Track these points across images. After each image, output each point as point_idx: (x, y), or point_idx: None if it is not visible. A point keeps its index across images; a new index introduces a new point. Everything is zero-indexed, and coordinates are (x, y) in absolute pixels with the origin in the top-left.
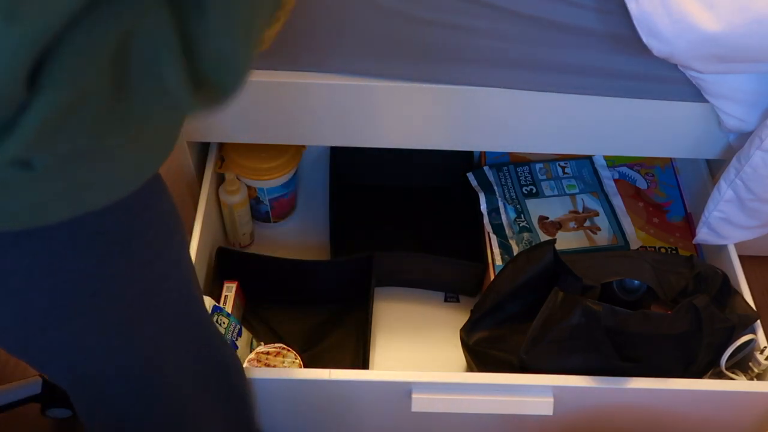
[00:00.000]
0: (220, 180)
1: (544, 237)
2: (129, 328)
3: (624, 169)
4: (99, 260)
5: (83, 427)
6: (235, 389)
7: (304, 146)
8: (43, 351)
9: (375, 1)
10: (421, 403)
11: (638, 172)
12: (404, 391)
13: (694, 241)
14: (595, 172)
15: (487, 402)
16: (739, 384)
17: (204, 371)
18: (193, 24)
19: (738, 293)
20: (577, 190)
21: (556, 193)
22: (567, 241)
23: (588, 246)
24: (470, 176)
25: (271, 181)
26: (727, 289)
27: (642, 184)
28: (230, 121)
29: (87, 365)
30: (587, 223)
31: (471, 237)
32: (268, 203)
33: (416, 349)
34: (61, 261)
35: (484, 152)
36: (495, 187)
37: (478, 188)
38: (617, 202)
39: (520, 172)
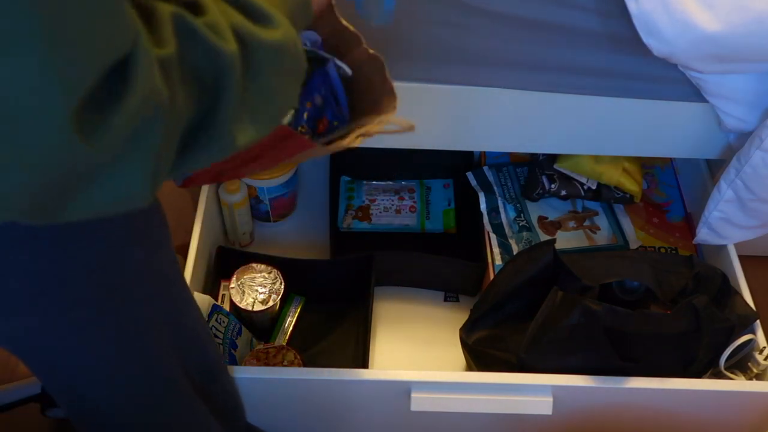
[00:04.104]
0: None
1: (543, 236)
2: (99, 330)
3: None
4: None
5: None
6: (224, 390)
7: None
8: (17, 340)
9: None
10: (420, 402)
11: None
12: (404, 390)
13: (694, 241)
14: None
15: (487, 401)
16: (738, 384)
17: (192, 373)
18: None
19: (737, 293)
20: None
21: None
22: (566, 240)
23: (587, 246)
24: (470, 176)
25: (271, 180)
26: (726, 289)
27: (642, 184)
28: None
29: (60, 360)
30: (587, 223)
31: (471, 236)
32: (268, 202)
33: (416, 349)
34: (34, 256)
35: (484, 152)
36: (495, 188)
37: (477, 188)
38: None
39: (519, 172)
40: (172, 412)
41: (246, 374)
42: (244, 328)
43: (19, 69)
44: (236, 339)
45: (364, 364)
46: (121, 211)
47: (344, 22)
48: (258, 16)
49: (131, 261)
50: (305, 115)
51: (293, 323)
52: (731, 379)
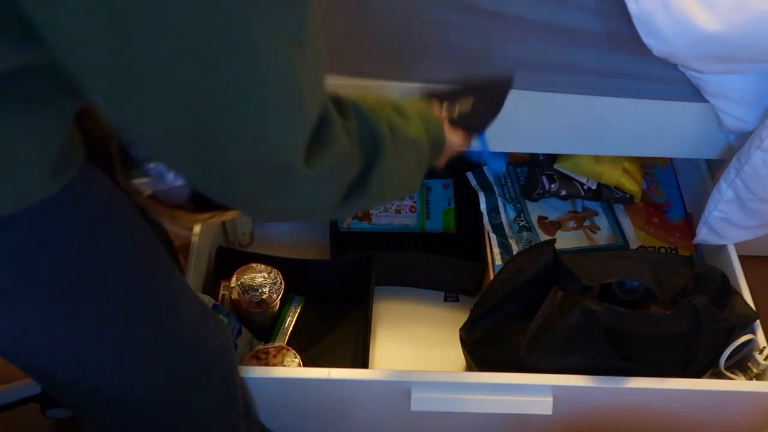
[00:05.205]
0: None
1: (543, 236)
2: (96, 325)
3: None
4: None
5: (83, 427)
6: (233, 385)
7: None
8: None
9: (376, 3)
10: (420, 402)
11: None
12: (404, 390)
13: (694, 241)
14: None
15: (487, 401)
16: (738, 384)
17: (196, 368)
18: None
19: (737, 293)
20: None
21: None
22: (566, 240)
23: (587, 245)
24: (470, 176)
25: None
26: (726, 289)
27: (642, 184)
28: None
29: (55, 359)
30: (587, 223)
31: (471, 236)
32: None
33: (416, 349)
34: (32, 250)
35: None
36: (495, 187)
37: (477, 188)
38: None
39: (519, 172)
40: (205, 395)
41: (246, 374)
42: (244, 328)
43: (283, 125)
44: (236, 339)
45: (364, 364)
46: (309, 219)
47: None
48: (403, 113)
49: (98, 252)
50: None
51: (293, 323)
52: (731, 379)
